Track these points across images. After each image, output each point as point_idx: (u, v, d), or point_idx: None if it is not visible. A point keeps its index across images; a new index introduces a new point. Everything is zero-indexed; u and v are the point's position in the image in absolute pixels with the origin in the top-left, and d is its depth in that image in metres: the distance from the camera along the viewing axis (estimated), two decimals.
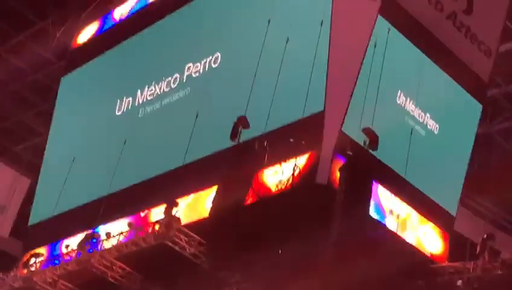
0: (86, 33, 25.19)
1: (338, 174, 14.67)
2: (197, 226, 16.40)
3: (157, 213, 17.65)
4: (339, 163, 14.84)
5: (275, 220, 14.95)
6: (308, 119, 15.42)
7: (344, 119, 15.16)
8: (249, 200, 15.48)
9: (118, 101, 21.60)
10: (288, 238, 14.64)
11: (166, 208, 16.84)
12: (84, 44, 24.97)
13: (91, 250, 17.98)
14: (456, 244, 17.69)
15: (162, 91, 20.08)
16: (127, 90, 21.55)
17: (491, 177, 19.03)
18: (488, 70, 18.03)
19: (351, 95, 15.29)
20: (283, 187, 15.21)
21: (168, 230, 16.45)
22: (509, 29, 18.63)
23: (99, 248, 17.91)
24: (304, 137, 15.21)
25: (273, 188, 15.42)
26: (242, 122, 15.91)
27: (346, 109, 15.22)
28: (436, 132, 17.01)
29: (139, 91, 20.91)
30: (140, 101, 20.73)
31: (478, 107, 17.86)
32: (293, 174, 15.04)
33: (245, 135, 15.77)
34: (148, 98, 20.53)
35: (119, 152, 19.72)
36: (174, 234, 16.37)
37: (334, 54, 15.47)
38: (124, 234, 17.60)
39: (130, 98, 21.21)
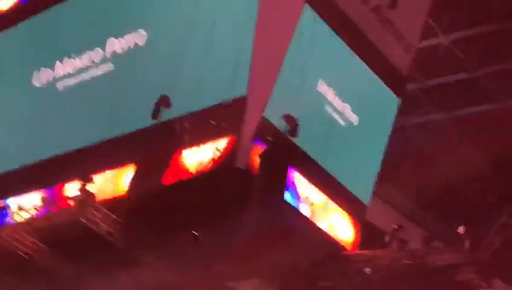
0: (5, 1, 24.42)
1: (257, 159, 14.79)
2: (113, 204, 16.25)
3: (72, 189, 17.37)
4: (259, 148, 14.96)
5: (192, 201, 14.99)
6: (231, 103, 15.44)
7: (266, 105, 15.25)
8: (168, 181, 15.45)
9: (35, 72, 21.02)
10: (205, 221, 14.70)
11: (81, 184, 16.62)
12: (5, 11, 24.18)
13: (1, 223, 17.60)
14: (367, 233, 18.11)
15: (83, 65, 19.67)
16: (44, 61, 20.96)
17: (404, 170, 19.53)
18: (407, 65, 18.44)
19: (274, 82, 15.37)
20: (202, 169, 15.23)
21: (82, 206, 16.25)
22: (430, 26, 19.07)
23: (9, 221, 17.54)
24: (225, 121, 15.25)
25: (193, 170, 15.42)
26: (164, 101, 15.85)
27: (269, 95, 15.30)
28: (354, 123, 17.30)
29: (57, 63, 20.38)
30: (59, 74, 20.24)
31: (396, 100, 18.26)
32: (212, 157, 15.08)
33: (167, 115, 15.69)
34: (68, 71, 20.05)
35: (34, 124, 19.30)
36: (88, 210, 16.16)
37: (259, 41, 15.52)
38: (37, 208, 17.27)
39: (48, 70, 20.66)
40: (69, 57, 20.10)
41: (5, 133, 20.62)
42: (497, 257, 15.37)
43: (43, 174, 18.60)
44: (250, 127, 15.14)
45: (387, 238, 17.24)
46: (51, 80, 20.44)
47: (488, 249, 15.41)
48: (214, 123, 15.40)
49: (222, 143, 15.26)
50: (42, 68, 20.89)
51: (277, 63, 15.51)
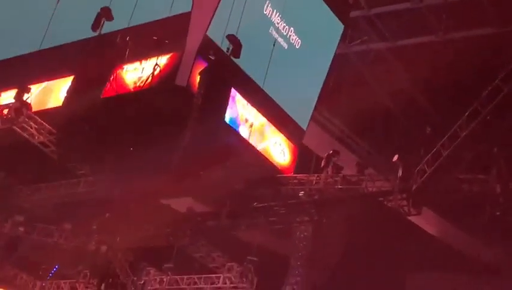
0: None
1: (198, 77, 14.68)
2: (49, 115, 16.03)
3: (7, 97, 17.01)
4: (201, 66, 14.82)
5: (130, 117, 14.87)
6: (174, 18, 15.20)
7: (210, 23, 15.05)
8: (106, 94, 15.24)
9: None
10: (143, 137, 14.64)
11: (17, 93, 16.31)
12: None
13: None
14: (303, 157, 18.33)
15: None
16: None
17: (343, 96, 19.66)
18: None
19: (219, 0, 15.16)
20: (142, 85, 15.06)
21: (17, 115, 16.00)
22: None
23: None
24: (168, 37, 15.02)
25: (131, 85, 15.24)
26: (106, 13, 15.49)
27: (213, 13, 15.10)
28: (297, 47, 17.27)
29: None
30: None
31: (340, 27, 18.26)
32: (153, 73, 14.89)
33: (108, 27, 15.37)
34: None
35: None
36: (23, 120, 15.94)
37: None
38: None
39: None
40: None
41: None
42: (428, 186, 15.75)
43: None
44: (192, 44, 14.94)
45: (322, 163, 17.45)
46: None
47: (419, 177, 15.75)
48: (156, 39, 15.15)
49: (163, 60, 15.06)
50: None
51: None
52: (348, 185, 17.05)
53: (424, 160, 15.80)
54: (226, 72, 14.98)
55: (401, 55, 19.67)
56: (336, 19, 18.09)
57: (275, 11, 16.64)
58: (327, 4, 17.70)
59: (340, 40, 18.42)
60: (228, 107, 15.18)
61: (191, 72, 14.89)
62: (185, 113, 14.07)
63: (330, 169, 17.29)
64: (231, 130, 15.66)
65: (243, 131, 16.08)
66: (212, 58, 14.87)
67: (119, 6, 15.64)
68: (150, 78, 14.99)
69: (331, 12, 17.93)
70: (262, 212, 17.06)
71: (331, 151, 17.59)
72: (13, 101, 16.36)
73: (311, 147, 19.43)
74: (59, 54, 16.81)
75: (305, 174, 17.46)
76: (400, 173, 16.08)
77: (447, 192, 16.17)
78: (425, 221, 20.21)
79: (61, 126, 15.81)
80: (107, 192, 16.13)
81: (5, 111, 16.40)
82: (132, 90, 15.21)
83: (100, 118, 15.10)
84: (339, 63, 18.40)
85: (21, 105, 16.19)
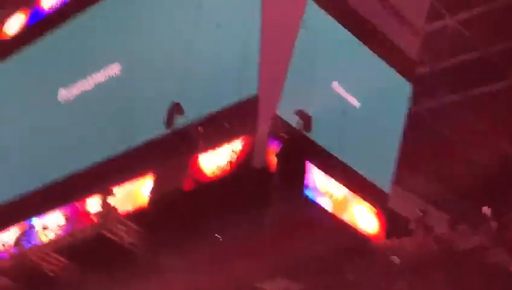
0: (13, 23, 24.65)
1: (273, 157, 14.78)
2: (134, 215, 16.30)
3: (93, 203, 17.45)
4: (275, 146, 14.93)
5: (213, 205, 15.02)
6: (243, 103, 15.45)
7: (278, 102, 15.22)
8: (187, 187, 15.47)
9: (48, 91, 21.23)
10: (228, 223, 14.70)
11: (102, 198, 16.70)
12: (12, 35, 24.43)
13: (27, 244, 17.71)
14: (391, 222, 18.02)
15: (95, 79, 19.82)
16: (57, 81, 21.20)
17: (423, 155, 19.43)
18: (416, 50, 18.35)
19: (285, 78, 15.36)
20: (220, 172, 15.23)
21: (105, 220, 16.34)
22: (435, 8, 18.96)
23: (35, 241, 17.65)
24: (238, 122, 15.26)
25: (210, 174, 15.42)
26: (176, 109, 15.90)
27: (280, 92, 15.29)
28: (367, 112, 17.23)
29: (70, 81, 20.58)
30: (73, 91, 20.42)
31: (407, 86, 18.17)
32: (229, 159, 15.08)
33: (180, 122, 15.72)
34: (81, 87, 20.23)
35: (52, 142, 19.43)
36: (111, 224, 16.25)
37: (266, 38, 15.53)
38: (60, 226, 17.37)
39: (61, 89, 20.86)
40: (82, 73, 20.26)
41: (23, 153, 20.79)
42: None
43: (65, 191, 18.70)
44: (263, 125, 15.12)
45: (412, 225, 17.11)
46: (64, 97, 20.61)
47: None
48: (228, 125, 15.42)
49: (237, 144, 15.26)
50: (55, 87, 21.11)
51: (285, 59, 15.49)
52: (442, 244, 16.62)
53: None
54: (300, 147, 15.05)
55: (475, 105, 19.42)
56: (402, 78, 18.03)
57: (339, 79, 16.72)
58: (391, 65, 17.69)
59: (411, 98, 18.31)
60: (307, 181, 15.15)
61: (266, 153, 15.02)
62: (265, 194, 14.13)
63: (421, 230, 16.94)
64: (313, 204, 15.58)
65: (325, 203, 15.97)
66: (285, 136, 15.00)
67: (189, 99, 16.03)
68: (228, 165, 15.19)
69: (397, 73, 17.89)
70: (357, 284, 16.72)
71: (419, 212, 17.25)
72: (99, 206, 16.72)
73: (397, 210, 19.12)
74: (137, 154, 17.22)
75: (396, 239, 17.10)
76: (493, 225, 15.63)
77: None
78: None
79: (147, 225, 16.03)
80: (200, 281, 16.15)
81: (94, 217, 16.76)
82: (211, 179, 15.40)
83: (184, 210, 15.28)
84: (412, 121, 18.26)
85: (107, 210, 16.54)
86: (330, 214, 16.04)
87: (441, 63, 19.46)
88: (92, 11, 20.99)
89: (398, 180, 19.29)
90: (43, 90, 21.45)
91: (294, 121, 15.12)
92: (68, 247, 16.97)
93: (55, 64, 21.75)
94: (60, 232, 17.36)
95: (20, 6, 24.49)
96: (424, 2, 18.61)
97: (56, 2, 23.13)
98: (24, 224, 18.49)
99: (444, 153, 19.30)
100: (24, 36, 23.62)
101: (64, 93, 20.62)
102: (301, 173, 15.03)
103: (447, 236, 16.75)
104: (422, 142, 19.70)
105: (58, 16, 22.44)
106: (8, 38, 24.50)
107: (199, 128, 15.45)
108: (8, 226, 19.47)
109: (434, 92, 20.09)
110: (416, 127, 18.60)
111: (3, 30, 24.86)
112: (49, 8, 23.34)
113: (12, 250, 18.12)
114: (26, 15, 24.34)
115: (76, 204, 18.14)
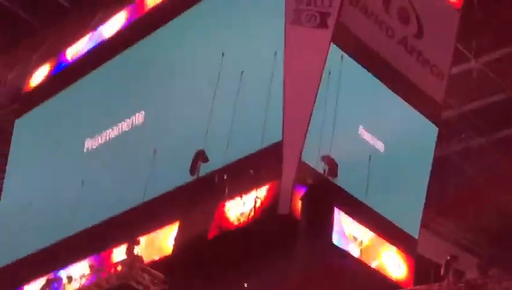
0: (39, 75, 24.96)
1: (299, 203, 14.64)
2: (160, 264, 16.18)
3: (119, 253, 17.37)
4: (300, 192, 14.80)
5: (239, 252, 14.84)
6: (267, 149, 15.39)
7: (302, 148, 15.14)
8: (212, 235, 15.35)
9: (73, 142, 21.38)
10: (254, 270, 14.51)
11: (127, 247, 16.56)
12: (37, 86, 24.73)
13: None
14: (420, 267, 17.73)
15: (119, 130, 19.92)
16: (81, 131, 21.35)
17: (451, 198, 19.19)
18: (441, 93, 18.21)
19: (308, 124, 15.29)
20: (245, 220, 15.12)
21: (130, 270, 16.17)
22: (460, 51, 18.89)
23: None
24: (263, 168, 15.17)
25: (236, 221, 15.32)
26: (201, 156, 15.84)
27: (304, 138, 15.21)
28: (394, 156, 17.06)
29: (95, 132, 20.71)
30: (97, 142, 20.52)
31: (434, 129, 18.00)
32: (254, 206, 14.98)
33: (204, 169, 15.67)
34: (105, 138, 20.33)
35: (76, 193, 19.45)
36: (137, 273, 16.08)
37: (289, 84, 15.51)
38: (86, 276, 17.27)
39: (86, 139, 20.98)
40: (107, 124, 20.38)
41: (48, 205, 20.83)
42: None
43: (90, 241, 18.70)
44: (288, 172, 15.01)
45: (442, 271, 16.78)
46: (88, 148, 20.71)
47: None
48: (253, 172, 15.33)
49: (262, 191, 15.14)
50: (79, 138, 21.24)
51: (309, 105, 15.45)
52: (473, 289, 16.25)
53: None
54: (326, 194, 14.89)
55: (503, 147, 19.20)
56: (429, 122, 17.87)
57: (364, 124, 16.62)
58: (416, 109, 17.55)
59: (437, 142, 18.12)
60: (334, 228, 14.96)
61: (291, 199, 14.88)
62: (291, 240, 13.97)
63: (451, 275, 16.59)
64: (340, 251, 15.37)
65: (353, 250, 15.75)
66: (311, 182, 14.87)
67: (213, 146, 15.99)
68: (253, 212, 15.07)
69: (423, 117, 17.74)
70: None
71: (449, 257, 16.88)
72: (125, 256, 16.62)
73: (427, 256, 18.83)
74: (162, 202, 17.20)
75: (425, 285, 16.75)
76: None
77: None
78: None
79: (173, 274, 15.87)
80: None
81: (119, 267, 16.64)
82: (237, 226, 15.28)
83: (210, 258, 15.12)
84: (440, 164, 18.06)
85: (133, 259, 16.41)
86: (358, 260, 15.83)
87: (467, 105, 19.31)
88: (116, 61, 21.19)
89: (427, 224, 19.05)
90: (68, 140, 21.61)
91: (320, 167, 14.97)
92: None
93: (79, 113, 21.93)
94: (85, 282, 17.21)
95: (47, 58, 24.84)
96: (449, 45, 18.53)
97: (79, 51, 23.42)
98: (50, 275, 18.40)
99: (472, 196, 19.02)
100: (48, 87, 23.89)
101: (90, 143, 20.71)
102: (328, 219, 14.83)
103: (478, 281, 16.40)
104: (450, 185, 19.46)
105: (82, 66, 22.69)
106: (33, 89, 24.81)
107: (224, 176, 15.34)
108: (35, 278, 19.45)
109: (461, 135, 19.90)
110: (443, 171, 18.39)
111: (29, 82, 25.19)
112: (73, 58, 23.63)
113: None
114: (51, 66, 24.66)
115: (102, 253, 18.10)
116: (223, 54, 17.24)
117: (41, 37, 24.16)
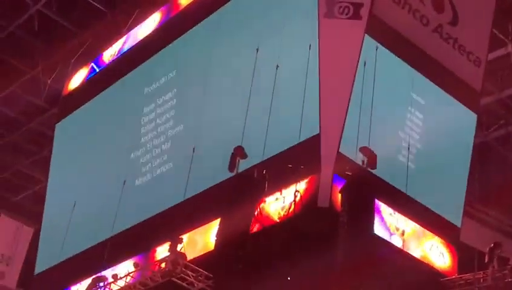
0: (77, 78, 25.30)
1: (339, 196, 14.63)
2: (203, 261, 16.30)
3: (162, 251, 17.55)
4: (339, 185, 14.79)
5: (280, 247, 14.91)
6: (305, 143, 15.39)
7: (340, 140, 15.12)
8: (253, 230, 15.42)
9: (113, 143, 21.63)
10: (296, 264, 14.57)
11: (171, 245, 16.72)
12: (76, 89, 25.06)
13: None
14: (464, 255, 17.60)
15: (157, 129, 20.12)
16: (121, 131, 21.59)
17: (493, 185, 19.00)
18: (479, 80, 18.04)
19: (345, 116, 15.27)
20: (286, 214, 15.16)
21: (174, 267, 16.33)
22: (496, 36, 18.69)
23: None
24: (302, 162, 15.19)
25: (276, 216, 15.37)
26: (239, 152, 15.89)
27: (342, 130, 15.19)
28: (433, 145, 16.95)
29: (133, 131, 20.92)
30: (136, 141, 20.73)
31: (473, 116, 17.83)
32: (294, 200, 15.00)
33: (243, 165, 15.75)
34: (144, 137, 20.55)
35: (119, 193, 19.69)
36: (180, 270, 16.24)
37: (324, 76, 15.49)
38: (131, 274, 17.48)
39: (125, 139, 21.22)
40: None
41: (92, 205, 21.13)
42: None
43: (133, 240, 18.92)
44: (327, 164, 15.01)
45: (486, 258, 16.64)
46: (128, 147, 20.94)
47: None
48: (292, 166, 15.35)
49: (302, 185, 15.17)
50: (119, 138, 21.49)
51: (345, 97, 15.41)
52: None
53: None
54: (366, 185, 14.85)
55: None
56: (468, 109, 17.72)
57: (403, 113, 16.55)
58: (454, 97, 17.41)
59: (477, 129, 17.96)
60: (375, 218, 14.92)
61: (331, 192, 14.88)
62: (333, 233, 13.97)
63: (495, 263, 16.44)
64: (383, 242, 15.33)
65: (396, 240, 15.68)
66: (350, 174, 14.84)
67: (251, 142, 16.06)
68: (293, 206, 15.09)
69: (461, 105, 17.60)
70: None
71: (493, 244, 16.75)
72: (168, 254, 16.78)
73: (470, 244, 18.68)
74: (202, 199, 17.33)
75: (470, 273, 16.65)
76: None
77: None
78: None
79: (216, 269, 15.99)
80: None
81: (163, 265, 16.81)
82: (277, 221, 15.33)
83: (252, 253, 15.19)
84: (480, 152, 17.91)
85: (176, 256, 16.56)
86: (401, 250, 15.76)
87: (506, 91, 19.10)
88: (151, 61, 21.40)
89: (469, 212, 18.88)
90: (108, 141, 21.84)
91: (359, 158, 14.94)
92: None
93: (117, 115, 22.17)
94: (130, 280, 17.42)
95: (85, 62, 25.17)
96: (485, 31, 18.34)
97: (115, 53, 23.68)
98: (95, 275, 18.65)
99: None
100: (86, 90, 24.20)
101: (129, 143, 20.94)
102: (369, 210, 14.79)
103: None
104: (493, 172, 19.27)
105: (119, 68, 22.95)
106: (72, 93, 25.15)
107: (263, 171, 15.39)
108: (81, 278, 19.73)
109: (500, 121, 19.68)
110: (485, 158, 18.23)
111: (68, 86, 25.54)
112: (109, 61, 23.90)
113: None
114: (88, 70, 24.98)
115: (146, 252, 18.29)
116: (257, 50, 17.30)
117: (79, 41, 24.47)
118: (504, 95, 19.36)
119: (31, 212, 27.28)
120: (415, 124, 16.81)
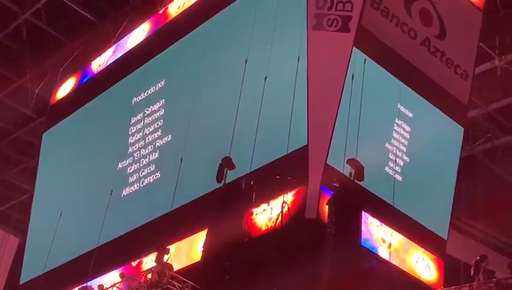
0: (65, 88, 25.25)
1: (326, 207, 14.65)
2: (190, 271, 16.26)
3: (149, 261, 17.51)
4: (327, 196, 14.82)
5: (267, 258, 14.89)
6: (293, 154, 15.42)
7: (328, 152, 15.16)
8: (240, 241, 15.39)
9: (100, 153, 21.59)
10: (283, 275, 14.55)
11: (157, 256, 16.67)
12: (64, 98, 25.00)
13: None
14: (450, 268, 17.65)
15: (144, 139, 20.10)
16: (108, 141, 21.55)
17: (479, 198, 19.09)
18: (466, 93, 18.14)
19: (333, 128, 15.31)
20: (273, 225, 15.16)
21: (161, 278, 16.26)
22: (484, 50, 18.81)
23: None
24: (290, 173, 15.21)
25: (263, 227, 15.38)
26: (227, 163, 15.91)
27: (330, 142, 15.23)
28: (420, 158, 17.03)
29: (121, 141, 20.88)
30: (123, 151, 20.70)
31: (460, 129, 17.92)
32: (281, 212, 15.01)
33: (231, 176, 15.75)
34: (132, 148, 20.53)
35: (106, 202, 19.62)
36: (167, 281, 16.17)
37: (312, 88, 15.55)
38: (117, 285, 17.40)
39: (112, 148, 21.18)
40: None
41: (78, 215, 21.05)
42: None
43: (120, 251, 18.85)
44: (315, 176, 15.04)
45: (472, 271, 16.69)
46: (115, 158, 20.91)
47: None
48: (279, 177, 15.37)
49: (289, 196, 15.19)
50: (106, 149, 21.45)
51: (333, 109, 15.47)
52: (505, 289, 16.14)
53: None
54: (353, 197, 14.89)
55: None
56: (454, 122, 17.81)
57: (389, 126, 16.62)
58: (441, 110, 17.50)
59: (463, 142, 18.05)
60: (362, 230, 14.95)
61: (318, 203, 14.90)
62: (320, 244, 13.98)
63: (481, 276, 16.49)
64: (369, 254, 15.36)
65: (382, 252, 15.73)
66: (337, 185, 14.87)
67: (239, 153, 16.07)
68: (280, 217, 15.10)
69: (448, 118, 17.68)
70: None
71: (479, 257, 16.80)
72: (155, 264, 16.74)
73: (456, 256, 18.74)
74: (189, 210, 17.31)
75: (456, 286, 16.67)
76: None
77: None
78: None
79: (203, 280, 15.96)
80: None
81: (149, 276, 16.74)
82: (264, 232, 15.32)
83: (238, 264, 15.18)
84: (467, 165, 17.98)
85: (163, 267, 16.50)
86: (387, 262, 15.79)
87: (493, 104, 19.21)
88: (140, 72, 21.41)
89: (456, 225, 18.95)
90: (95, 151, 21.79)
91: (346, 170, 14.98)
92: None
93: (105, 125, 22.14)
94: None
95: (74, 71, 25.13)
96: (472, 44, 18.45)
97: (104, 63, 23.66)
98: (81, 285, 18.56)
99: (501, 195, 18.91)
100: (74, 99, 24.16)
101: (117, 153, 20.89)
102: (355, 222, 14.83)
103: (509, 280, 16.28)
104: (479, 185, 19.35)
105: (106, 78, 22.92)
106: (59, 102, 25.09)
107: (251, 182, 15.41)
108: (67, 288, 19.62)
109: (487, 134, 19.79)
110: (471, 171, 18.31)
111: (55, 96, 25.48)
112: (98, 70, 23.88)
113: None
114: (77, 79, 24.93)
115: (132, 262, 18.23)
116: (246, 61, 17.34)
117: (68, 51, 24.43)
118: (491, 109, 19.47)
119: (17, 222, 27.16)
120: (403, 136, 16.89)
